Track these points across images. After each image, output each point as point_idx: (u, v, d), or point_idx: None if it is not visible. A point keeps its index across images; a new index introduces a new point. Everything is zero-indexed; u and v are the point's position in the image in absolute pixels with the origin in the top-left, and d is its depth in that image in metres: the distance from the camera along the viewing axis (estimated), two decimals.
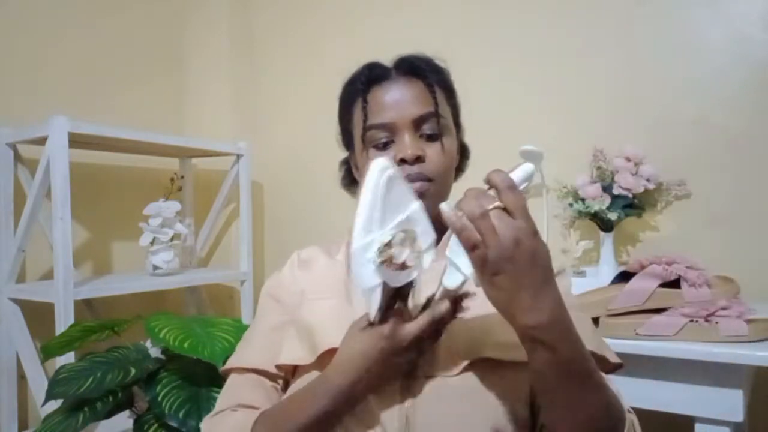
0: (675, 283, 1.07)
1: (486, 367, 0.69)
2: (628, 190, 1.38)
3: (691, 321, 1.02)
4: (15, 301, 1.56)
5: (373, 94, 0.80)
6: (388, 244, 0.57)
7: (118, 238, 1.93)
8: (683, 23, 1.46)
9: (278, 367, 0.77)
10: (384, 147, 0.78)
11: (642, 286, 1.07)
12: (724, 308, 1.03)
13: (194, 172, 2.10)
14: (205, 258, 2.18)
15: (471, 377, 0.69)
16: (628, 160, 1.41)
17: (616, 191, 1.39)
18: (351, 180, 0.91)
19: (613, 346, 1.01)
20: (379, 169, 0.60)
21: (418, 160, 0.77)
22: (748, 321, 1.01)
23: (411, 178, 0.76)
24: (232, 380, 0.80)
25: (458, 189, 0.88)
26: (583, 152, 1.48)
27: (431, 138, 0.78)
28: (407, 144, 0.77)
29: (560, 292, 0.57)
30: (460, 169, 0.90)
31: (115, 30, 1.93)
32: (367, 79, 0.81)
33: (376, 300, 0.59)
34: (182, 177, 2.01)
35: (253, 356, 0.80)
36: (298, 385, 0.75)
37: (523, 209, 0.53)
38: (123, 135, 1.58)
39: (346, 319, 0.71)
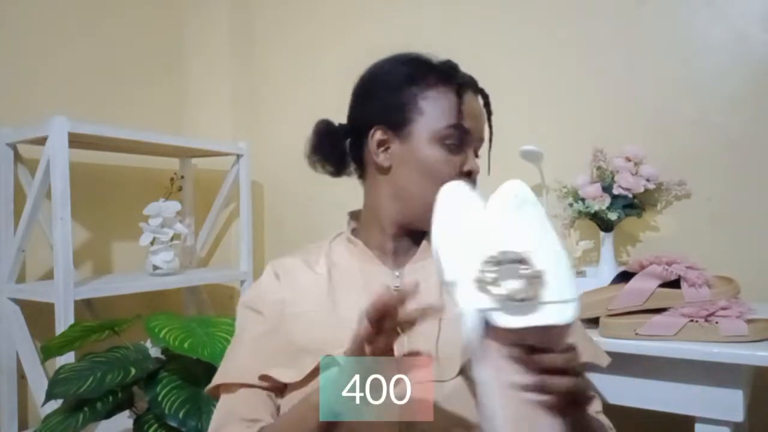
0: (675, 283, 1.07)
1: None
2: (628, 190, 1.38)
3: (691, 321, 1.02)
4: (15, 301, 1.56)
5: (465, 97, 0.79)
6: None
7: (118, 238, 1.93)
8: (683, 23, 1.46)
9: (264, 378, 0.74)
10: (454, 150, 0.78)
11: (642, 286, 1.07)
12: (724, 308, 1.02)
13: (194, 172, 2.10)
14: (205, 258, 2.18)
15: (465, 381, 0.69)
16: (628, 160, 1.41)
17: (616, 191, 1.38)
18: (337, 154, 0.86)
19: (613, 346, 1.02)
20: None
21: (473, 176, 0.80)
22: (748, 321, 1.00)
23: None
24: (224, 400, 0.77)
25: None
26: (583, 152, 1.48)
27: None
28: (474, 159, 0.80)
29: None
30: None
31: (115, 30, 1.93)
32: (450, 77, 0.80)
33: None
34: (182, 177, 2.01)
35: (242, 370, 0.77)
36: (287, 402, 0.74)
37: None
38: (123, 135, 1.58)
39: (332, 335, 0.70)
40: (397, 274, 0.79)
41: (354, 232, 0.86)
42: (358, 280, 0.79)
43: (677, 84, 1.47)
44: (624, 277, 1.12)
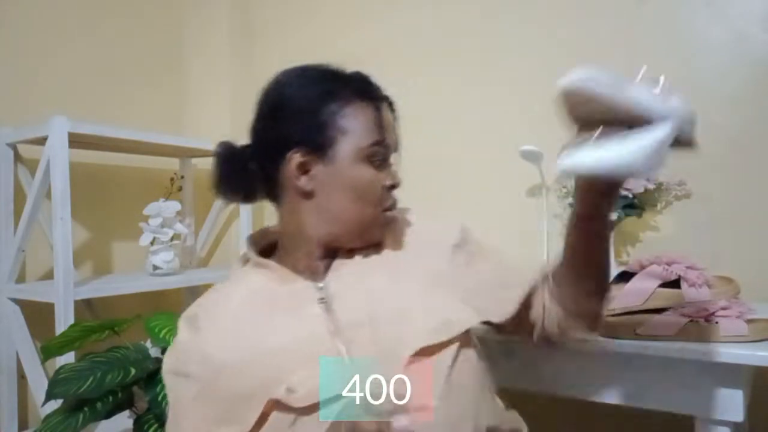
0: (675, 283, 1.07)
1: (422, 359, 0.68)
2: (628, 190, 1.38)
3: (691, 321, 1.02)
4: (15, 301, 1.56)
5: (382, 110, 0.77)
6: None
7: (118, 238, 1.93)
8: (683, 23, 1.46)
9: None
10: (380, 166, 0.77)
11: (642, 286, 1.07)
12: (724, 308, 1.02)
13: (194, 172, 2.10)
14: (205, 258, 2.18)
15: (413, 373, 0.67)
16: None
17: None
18: (246, 180, 0.81)
19: (613, 346, 1.02)
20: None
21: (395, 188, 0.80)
22: (748, 321, 1.00)
23: (393, 205, 0.79)
24: None
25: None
26: None
27: None
28: (396, 172, 0.79)
29: None
30: None
31: (115, 30, 1.93)
32: (366, 91, 0.78)
33: None
34: (182, 177, 2.01)
35: None
36: None
37: None
38: (123, 135, 1.58)
39: (270, 367, 0.68)
40: (320, 285, 0.75)
41: (265, 254, 0.81)
42: (282, 300, 0.74)
43: (677, 84, 1.46)
44: (624, 277, 1.12)
